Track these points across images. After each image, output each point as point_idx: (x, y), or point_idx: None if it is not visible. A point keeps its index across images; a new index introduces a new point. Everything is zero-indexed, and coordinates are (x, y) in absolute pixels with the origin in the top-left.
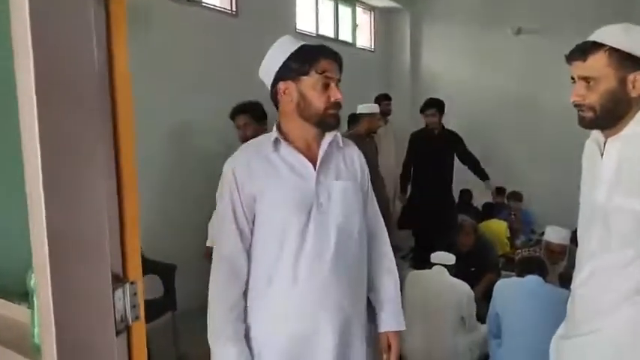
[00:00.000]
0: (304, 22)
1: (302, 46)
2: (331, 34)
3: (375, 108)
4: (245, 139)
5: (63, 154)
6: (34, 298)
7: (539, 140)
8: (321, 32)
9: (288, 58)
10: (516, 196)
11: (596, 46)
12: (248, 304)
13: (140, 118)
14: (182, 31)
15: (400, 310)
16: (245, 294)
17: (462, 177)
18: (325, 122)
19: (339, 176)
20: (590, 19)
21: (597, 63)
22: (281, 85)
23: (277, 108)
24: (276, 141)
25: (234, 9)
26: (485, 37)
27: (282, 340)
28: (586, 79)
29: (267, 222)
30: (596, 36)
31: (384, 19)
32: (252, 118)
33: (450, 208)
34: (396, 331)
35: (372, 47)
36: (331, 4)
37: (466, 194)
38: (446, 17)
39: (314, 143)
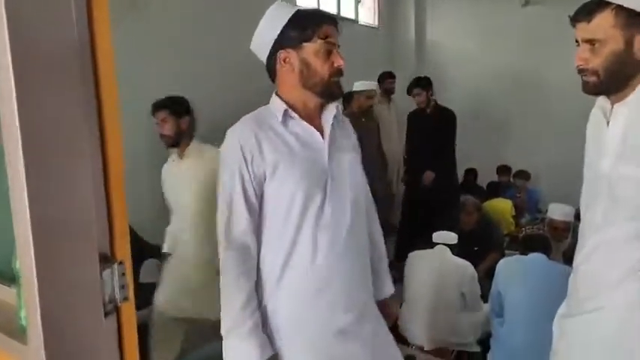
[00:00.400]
0: (305, 1)
1: (298, 12)
2: (333, 11)
3: (371, 85)
4: (163, 136)
5: (45, 133)
6: (20, 280)
7: (548, 116)
8: (322, 8)
9: (287, 25)
10: (523, 175)
11: (602, 5)
12: (264, 289)
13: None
14: (182, 10)
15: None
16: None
17: (467, 154)
18: (330, 91)
19: (344, 149)
20: None
21: (603, 23)
22: (281, 53)
23: (273, 80)
24: (286, 112)
25: None
26: (492, 10)
27: (307, 320)
28: (590, 42)
29: (281, 199)
30: None
31: None
32: (171, 113)
33: (450, 188)
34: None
35: (376, 24)
36: None
37: (471, 173)
38: None
39: (316, 114)
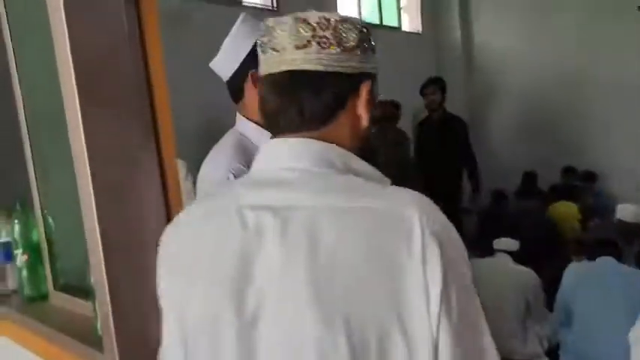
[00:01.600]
0: (346, 10)
1: None
2: (375, 20)
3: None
4: None
5: (110, 159)
6: (94, 294)
7: (606, 116)
8: (364, 19)
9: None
10: (589, 176)
11: None
12: None
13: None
14: (224, 32)
15: None
16: None
17: (522, 159)
18: None
19: None
20: None
21: None
22: (253, 73)
23: (237, 99)
24: None
25: (274, 5)
26: (543, 6)
27: None
28: None
29: None
30: None
31: None
32: None
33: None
34: None
35: (420, 30)
36: None
37: (529, 177)
38: None
39: None
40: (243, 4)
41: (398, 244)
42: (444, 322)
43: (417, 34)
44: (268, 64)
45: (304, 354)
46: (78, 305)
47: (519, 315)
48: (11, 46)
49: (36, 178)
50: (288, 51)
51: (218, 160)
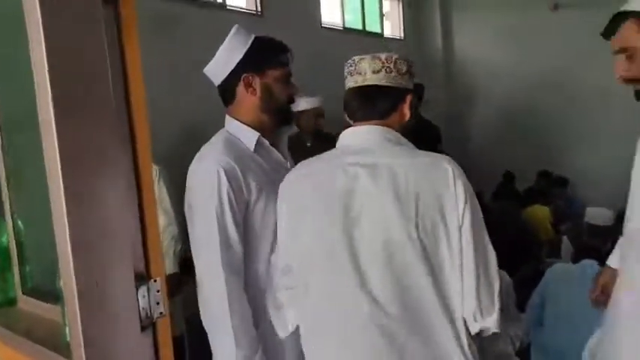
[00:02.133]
0: (329, 16)
1: (257, 38)
2: (358, 26)
3: (315, 102)
4: None
5: (82, 157)
6: (63, 299)
7: (581, 121)
8: (347, 25)
9: (249, 50)
10: (561, 181)
11: (623, 15)
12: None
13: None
14: (208, 35)
15: None
16: None
17: (502, 162)
18: (286, 116)
19: None
20: None
21: (628, 32)
22: (245, 77)
23: (227, 102)
24: (259, 141)
25: (259, 9)
26: (520, 15)
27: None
28: (624, 51)
29: (265, 227)
30: (624, 6)
31: (412, 5)
32: None
33: None
34: None
35: (401, 36)
36: None
37: (508, 177)
38: None
39: (271, 138)
40: (228, 7)
41: (440, 181)
42: (467, 218)
43: (399, 39)
44: (355, 82)
45: (393, 237)
46: (47, 310)
47: None
48: None
49: (7, 181)
50: (367, 74)
51: (209, 155)
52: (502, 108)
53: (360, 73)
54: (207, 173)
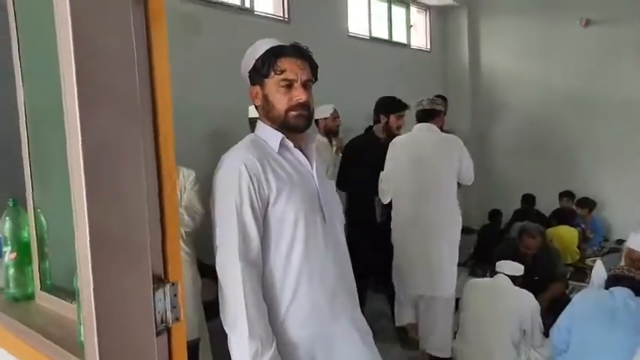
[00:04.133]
0: (357, 25)
1: (269, 48)
2: (385, 36)
3: (325, 111)
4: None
5: (105, 157)
6: (79, 298)
7: (607, 140)
8: (374, 34)
9: (255, 62)
10: (587, 203)
11: None
12: (275, 309)
13: (188, 124)
14: (235, 38)
15: None
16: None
17: (524, 181)
18: (289, 124)
19: (325, 177)
20: None
21: None
22: (251, 89)
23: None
24: (282, 141)
25: (286, 16)
26: (550, 30)
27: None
28: None
29: (285, 224)
30: None
31: (439, 17)
32: None
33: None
34: None
35: (428, 47)
36: (384, 6)
37: (527, 199)
38: (505, 11)
39: (296, 142)
40: (255, 13)
41: (454, 148)
42: (465, 162)
43: (426, 51)
44: (420, 107)
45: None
46: (63, 308)
47: (514, 338)
48: (17, 41)
49: (31, 175)
50: (424, 103)
51: (233, 152)
52: (528, 124)
53: (421, 104)
54: (230, 168)
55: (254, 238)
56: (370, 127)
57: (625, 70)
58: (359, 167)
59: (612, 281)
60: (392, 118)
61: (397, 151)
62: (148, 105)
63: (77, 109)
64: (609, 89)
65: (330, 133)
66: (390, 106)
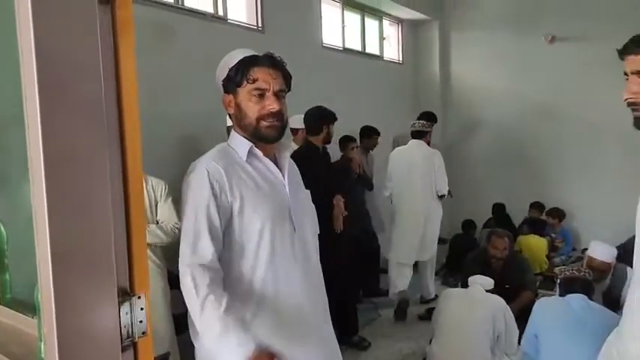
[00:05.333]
0: (330, 36)
1: (243, 58)
2: (358, 47)
3: (300, 121)
4: None
5: (68, 165)
6: (40, 312)
7: (576, 152)
8: (347, 46)
9: (229, 71)
10: (557, 213)
11: None
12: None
13: (159, 132)
14: (208, 47)
15: None
16: None
17: (495, 192)
18: (260, 134)
19: (298, 187)
20: (627, 26)
21: None
22: (225, 98)
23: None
24: (250, 150)
25: (260, 25)
26: (517, 46)
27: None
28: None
29: (250, 234)
30: None
31: (411, 30)
32: None
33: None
34: None
35: (400, 59)
36: (358, 18)
37: (498, 209)
38: (476, 27)
39: (269, 152)
40: (229, 21)
41: (436, 158)
42: (440, 170)
43: (398, 63)
44: (413, 128)
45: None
46: (24, 322)
47: (489, 341)
48: None
49: None
50: (417, 125)
51: (201, 159)
52: (498, 137)
53: (415, 126)
54: (195, 175)
55: (206, 241)
56: (347, 137)
57: (592, 85)
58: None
59: (566, 283)
60: (331, 127)
61: (396, 159)
62: (114, 114)
63: (39, 116)
64: (577, 103)
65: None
66: (331, 115)
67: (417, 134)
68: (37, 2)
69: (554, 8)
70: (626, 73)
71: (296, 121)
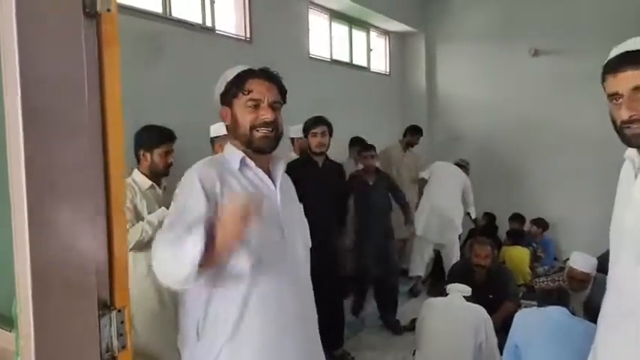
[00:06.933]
0: (318, 48)
1: (239, 72)
2: (346, 59)
3: (301, 131)
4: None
5: (49, 179)
6: (18, 326)
7: (558, 164)
8: (335, 57)
9: (226, 84)
10: (540, 223)
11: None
12: (216, 338)
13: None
14: (197, 58)
15: None
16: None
17: (480, 203)
18: (253, 143)
19: (291, 199)
20: (610, 40)
21: None
22: (221, 111)
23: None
24: (243, 160)
25: (248, 36)
26: (502, 59)
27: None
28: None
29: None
30: (633, 46)
31: (398, 42)
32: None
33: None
34: None
35: (387, 71)
36: (345, 29)
37: (488, 217)
38: (461, 40)
39: (264, 164)
40: (217, 32)
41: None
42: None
43: (385, 74)
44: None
45: None
46: (0, 336)
47: (471, 352)
48: None
49: None
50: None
51: (194, 167)
52: (482, 148)
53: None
54: (186, 178)
55: (189, 216)
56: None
57: (573, 98)
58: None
59: (542, 294)
60: (313, 137)
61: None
62: (98, 128)
63: (21, 129)
64: (559, 116)
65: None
66: (308, 125)
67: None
68: (22, 16)
69: (538, 22)
70: (615, 93)
71: (295, 130)
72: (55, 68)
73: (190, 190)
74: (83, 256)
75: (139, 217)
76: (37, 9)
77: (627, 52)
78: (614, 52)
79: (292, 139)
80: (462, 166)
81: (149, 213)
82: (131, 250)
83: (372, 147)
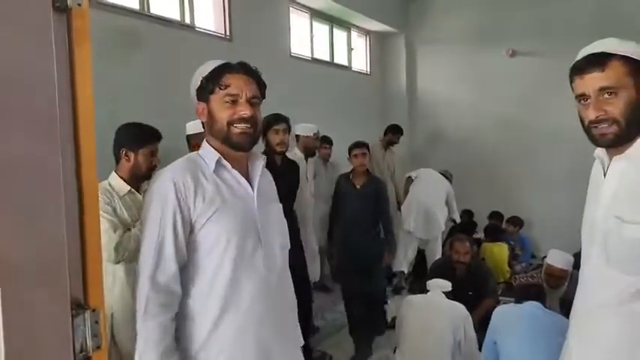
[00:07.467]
0: (299, 46)
1: (216, 66)
2: (327, 58)
3: (309, 129)
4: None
5: (18, 170)
6: None
7: (535, 163)
8: (316, 56)
9: (202, 79)
10: (516, 221)
11: (609, 55)
12: (193, 340)
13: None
14: (175, 55)
15: None
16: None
17: (459, 201)
18: (231, 140)
19: (270, 199)
20: (585, 42)
21: (616, 72)
22: (197, 107)
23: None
24: (218, 161)
25: (227, 34)
26: (480, 60)
27: None
28: (607, 91)
29: (213, 249)
30: (604, 47)
31: (379, 42)
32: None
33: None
34: None
35: (368, 70)
36: (326, 29)
37: (466, 214)
38: (440, 40)
39: (242, 162)
40: (196, 29)
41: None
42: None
43: (366, 74)
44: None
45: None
46: None
47: (451, 348)
48: None
49: None
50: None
51: (168, 170)
52: (461, 146)
53: None
54: (160, 186)
55: (169, 260)
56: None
57: (551, 98)
58: None
59: (520, 291)
60: (273, 134)
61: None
62: (69, 125)
63: None
64: (537, 116)
65: (308, 151)
66: (269, 122)
67: None
68: None
69: (515, 24)
70: (582, 94)
71: (303, 128)
72: (22, 65)
73: (166, 208)
74: (55, 255)
75: (124, 223)
76: (2, 1)
77: (592, 55)
78: (581, 54)
79: (297, 136)
80: (446, 177)
81: (131, 220)
82: (124, 259)
83: (364, 144)
